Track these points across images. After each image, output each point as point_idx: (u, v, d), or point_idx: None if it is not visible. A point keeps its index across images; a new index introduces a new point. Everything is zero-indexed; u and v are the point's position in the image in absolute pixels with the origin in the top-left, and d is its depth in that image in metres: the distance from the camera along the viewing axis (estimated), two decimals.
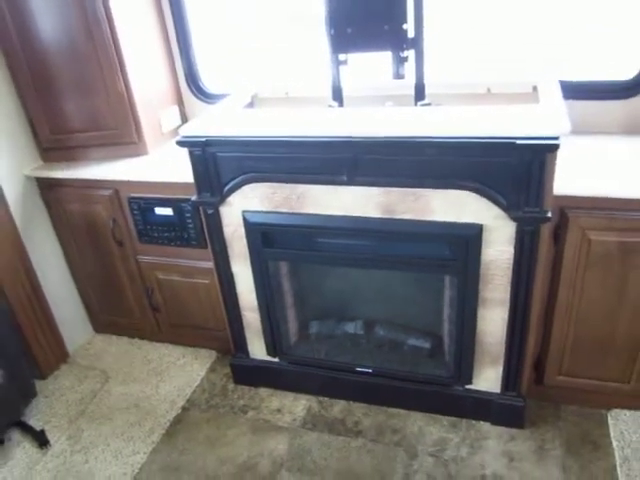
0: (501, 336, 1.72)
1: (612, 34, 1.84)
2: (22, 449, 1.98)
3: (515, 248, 1.54)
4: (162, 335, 2.42)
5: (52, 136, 2.15)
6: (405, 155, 1.51)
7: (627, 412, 1.87)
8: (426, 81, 1.73)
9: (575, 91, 1.86)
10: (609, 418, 1.86)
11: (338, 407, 2.03)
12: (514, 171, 1.44)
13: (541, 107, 1.55)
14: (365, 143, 1.52)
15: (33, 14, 1.92)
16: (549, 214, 1.47)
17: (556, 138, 1.36)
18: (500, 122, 1.48)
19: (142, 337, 2.47)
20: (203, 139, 1.65)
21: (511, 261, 1.57)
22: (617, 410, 1.88)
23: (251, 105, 2.05)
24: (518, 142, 1.38)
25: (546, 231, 1.53)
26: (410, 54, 1.69)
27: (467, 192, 1.51)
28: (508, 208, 1.49)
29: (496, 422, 1.88)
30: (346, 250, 1.73)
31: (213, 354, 2.35)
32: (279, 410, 2.05)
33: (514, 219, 1.50)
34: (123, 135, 2.11)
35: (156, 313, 2.33)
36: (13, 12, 1.93)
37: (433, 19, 1.73)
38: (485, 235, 1.55)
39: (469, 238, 1.56)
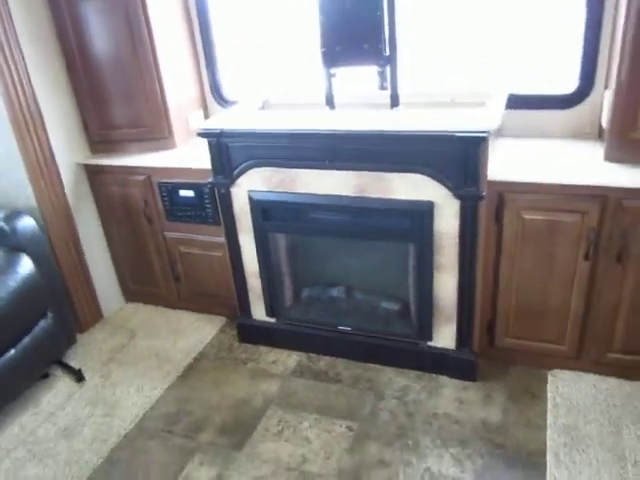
0: (453, 298, 2.10)
1: (561, 56, 2.23)
2: (63, 382, 2.43)
3: (460, 221, 1.93)
4: (181, 303, 2.85)
5: (100, 132, 2.63)
6: (374, 145, 1.93)
7: (565, 372, 2.20)
8: (402, 91, 2.14)
9: (525, 102, 2.26)
10: (549, 376, 2.20)
11: (323, 362, 2.42)
12: (456, 158, 1.84)
13: (482, 112, 1.95)
14: (342, 135, 1.95)
15: (91, 34, 2.41)
16: (484, 192, 1.86)
17: (485, 132, 1.76)
18: (447, 121, 1.89)
19: (165, 305, 2.91)
20: (218, 131, 2.10)
21: (457, 232, 1.96)
22: (557, 370, 2.22)
23: (262, 109, 2.50)
24: (457, 135, 1.78)
25: (484, 206, 1.91)
26: (387, 69, 2.12)
27: (422, 175, 1.91)
28: (453, 188, 1.89)
29: (452, 375, 2.24)
30: (328, 223, 2.15)
31: (223, 319, 2.77)
32: (274, 362, 2.45)
33: (457, 197, 1.89)
34: (157, 132, 2.57)
35: (177, 283, 2.77)
36: (76, 31, 2.41)
37: (410, 40, 2.15)
38: (436, 210, 1.95)
39: (424, 212, 1.95)
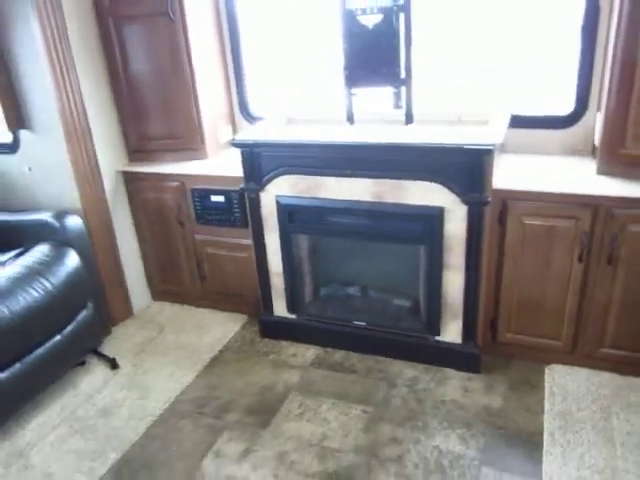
0: (460, 295, 2.32)
1: (560, 81, 2.50)
2: (99, 369, 2.64)
3: (467, 224, 2.17)
4: (206, 302, 3.07)
5: (139, 142, 2.89)
6: (390, 156, 2.18)
7: (561, 366, 2.41)
8: (415, 110, 2.39)
9: (526, 122, 2.51)
10: (546, 369, 2.41)
11: (339, 355, 2.63)
12: (464, 168, 2.08)
13: (487, 129, 2.20)
14: (363, 147, 2.20)
15: (135, 54, 2.68)
16: (489, 198, 2.10)
17: (491, 145, 2.00)
18: (457, 136, 2.14)
19: (190, 304, 3.13)
20: (251, 142, 2.36)
21: (465, 234, 2.19)
22: (554, 365, 2.42)
23: (287, 124, 2.76)
24: (465, 147, 2.03)
25: (489, 212, 2.15)
26: (402, 90, 2.38)
27: (433, 183, 2.15)
28: (461, 195, 2.13)
29: (458, 367, 2.45)
30: (348, 225, 2.39)
31: (245, 317, 2.99)
32: (294, 355, 2.66)
33: (465, 202, 2.13)
34: (191, 143, 2.82)
35: (203, 282, 3.00)
36: (121, 52, 2.69)
37: (426, 65, 2.42)
38: (446, 214, 2.18)
39: (434, 216, 2.19)
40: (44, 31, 2.38)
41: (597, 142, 2.27)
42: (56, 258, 2.39)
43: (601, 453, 1.97)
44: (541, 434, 2.08)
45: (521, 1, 2.44)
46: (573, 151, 2.49)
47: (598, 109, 2.35)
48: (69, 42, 2.49)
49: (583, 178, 2.20)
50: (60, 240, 2.47)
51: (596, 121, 2.34)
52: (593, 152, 2.41)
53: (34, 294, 2.23)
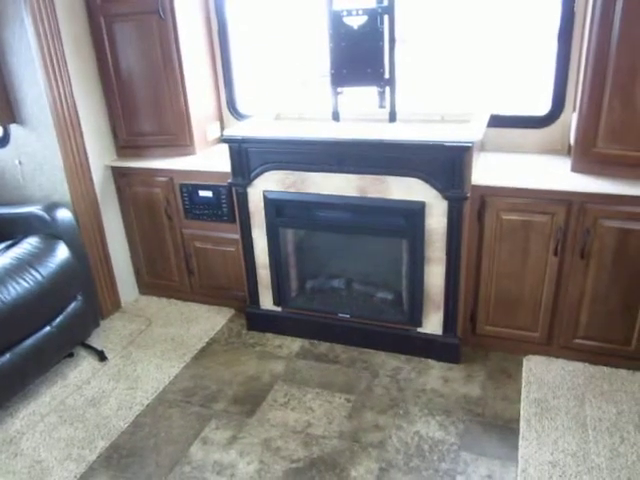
0: (441, 287, 2.40)
1: (538, 82, 2.60)
2: (87, 361, 2.68)
3: (447, 219, 2.25)
4: (193, 295, 3.12)
5: (128, 137, 2.94)
6: (374, 152, 2.26)
7: (538, 357, 2.51)
8: (399, 109, 2.47)
9: (505, 121, 2.60)
10: (524, 360, 2.50)
11: (324, 346, 2.70)
12: (445, 165, 2.17)
13: (467, 127, 2.29)
14: (348, 143, 2.28)
15: (125, 51, 2.72)
16: (468, 194, 2.19)
17: (469, 142, 2.09)
18: (438, 133, 2.22)
19: (178, 297, 3.18)
20: (240, 138, 2.42)
21: (445, 229, 2.27)
22: (531, 356, 2.52)
23: (274, 121, 2.82)
24: (446, 144, 2.12)
25: (468, 207, 2.24)
26: (386, 90, 2.45)
27: (415, 179, 2.24)
28: (442, 190, 2.21)
29: (439, 358, 2.53)
30: (333, 219, 2.46)
31: (232, 310, 3.05)
32: (279, 346, 2.72)
33: (445, 197, 2.22)
34: (179, 139, 2.88)
35: (191, 276, 3.05)
36: (111, 48, 2.74)
37: (407, 65, 2.50)
38: (427, 209, 2.27)
39: (416, 211, 2.27)
40: (37, 28, 2.42)
41: (572, 141, 2.36)
42: (46, 250, 2.43)
43: (574, 438, 2.06)
44: (517, 421, 2.16)
45: (502, 5, 2.53)
46: (550, 150, 2.59)
47: (574, 109, 2.45)
48: (61, 39, 2.54)
49: (558, 175, 2.29)
50: (50, 232, 2.51)
51: (572, 121, 2.44)
52: (569, 151, 2.51)
53: (24, 285, 2.27)
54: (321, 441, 2.12)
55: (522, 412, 2.20)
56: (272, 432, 2.18)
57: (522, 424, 2.14)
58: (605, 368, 2.39)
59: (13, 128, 2.68)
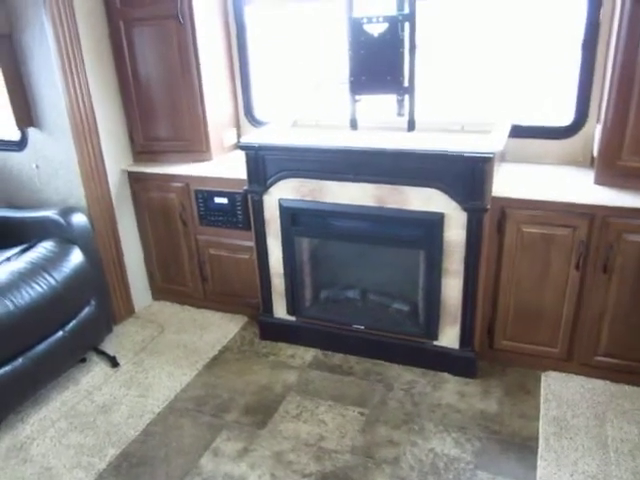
0: (458, 300, 2.35)
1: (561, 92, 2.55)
2: (99, 367, 2.66)
3: (467, 231, 2.21)
4: (207, 302, 3.10)
5: (144, 142, 2.93)
6: (392, 162, 2.22)
7: (557, 373, 2.44)
8: (418, 118, 2.43)
9: (526, 132, 2.55)
10: (542, 376, 2.44)
11: (338, 357, 2.66)
12: (465, 176, 2.12)
13: (488, 138, 2.24)
14: (366, 152, 2.24)
15: (144, 56, 2.72)
16: (488, 206, 2.14)
17: (490, 153, 2.05)
18: (458, 144, 2.18)
19: (191, 304, 3.16)
20: (257, 145, 2.40)
21: (464, 241, 2.23)
22: (550, 371, 2.46)
23: (292, 128, 2.80)
24: (465, 155, 2.07)
25: (488, 219, 2.19)
26: (405, 98, 2.42)
27: (434, 190, 2.19)
28: (461, 201, 2.17)
29: (454, 372, 2.48)
30: (349, 229, 2.43)
31: (245, 318, 3.02)
32: (292, 356, 2.69)
33: (465, 209, 2.17)
34: (196, 146, 2.87)
35: (205, 283, 3.03)
36: (130, 53, 2.73)
37: (428, 74, 2.47)
38: (446, 221, 2.22)
39: (434, 222, 2.23)
40: (56, 32, 2.42)
41: (595, 153, 2.31)
42: (61, 254, 2.42)
43: (594, 459, 2.00)
44: (536, 439, 2.10)
45: (526, 14, 2.49)
46: (572, 162, 2.53)
47: (597, 121, 2.39)
48: (80, 43, 2.54)
49: (581, 188, 2.24)
50: (65, 237, 2.50)
51: (595, 132, 2.39)
52: (591, 163, 2.46)
53: (38, 289, 2.26)
54: (334, 456, 2.08)
55: (540, 430, 2.14)
56: (284, 445, 2.15)
57: (541, 443, 2.08)
58: (627, 387, 2.32)
59: (31, 132, 2.69)
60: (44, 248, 2.44)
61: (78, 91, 2.57)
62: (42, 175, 2.76)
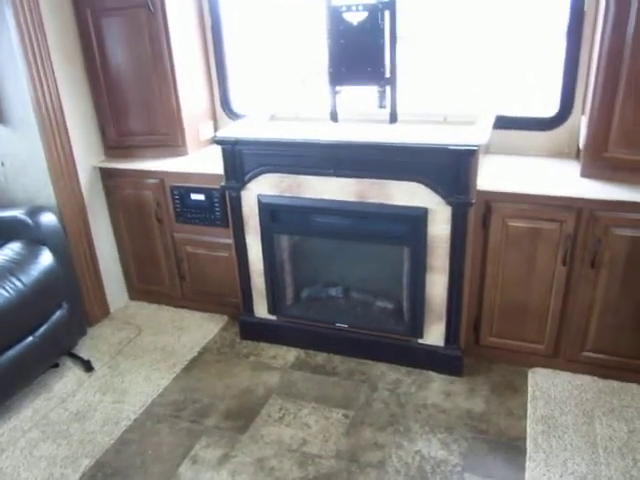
0: (443, 297, 2.29)
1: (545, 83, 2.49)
2: (73, 372, 2.56)
3: (451, 226, 2.14)
4: (185, 301, 3.00)
5: (117, 137, 2.81)
6: (374, 155, 2.14)
7: (544, 370, 2.40)
8: (400, 109, 2.36)
9: (511, 123, 2.49)
10: (529, 373, 2.39)
11: (321, 357, 2.59)
12: (449, 169, 2.05)
13: (472, 129, 2.18)
14: (346, 146, 2.16)
15: (114, 47, 2.60)
16: (473, 200, 2.08)
17: (475, 146, 1.98)
18: (441, 136, 2.11)
19: (169, 303, 3.06)
20: (233, 139, 2.30)
21: (449, 236, 2.16)
22: (536, 368, 2.41)
23: (270, 121, 2.70)
24: (450, 148, 2.00)
25: (473, 213, 2.13)
26: (387, 89, 2.34)
27: (417, 184, 2.12)
28: (445, 196, 2.10)
29: (440, 370, 2.42)
30: (331, 225, 2.35)
31: (225, 318, 2.93)
32: (274, 357, 2.61)
33: (449, 204, 2.10)
34: (171, 140, 2.75)
35: (182, 281, 2.93)
36: (99, 44, 2.61)
37: (409, 64, 2.39)
38: (430, 216, 2.15)
39: (418, 217, 2.16)
40: (19, 23, 2.29)
41: (581, 145, 2.25)
42: (28, 256, 2.30)
43: (584, 459, 1.96)
44: (524, 439, 2.06)
45: (508, 4, 2.42)
46: (557, 153, 2.48)
47: (582, 112, 2.34)
48: (45, 35, 2.41)
49: (567, 180, 2.18)
50: (33, 238, 2.38)
51: (581, 124, 2.33)
52: (577, 154, 2.41)
53: (5, 294, 2.14)
54: (317, 461, 2.01)
55: (528, 430, 2.10)
56: (266, 450, 2.07)
57: (529, 443, 2.04)
58: (615, 382, 2.29)
59: None
60: (11, 250, 2.32)
61: (44, 84, 2.44)
62: (8, 173, 2.63)
